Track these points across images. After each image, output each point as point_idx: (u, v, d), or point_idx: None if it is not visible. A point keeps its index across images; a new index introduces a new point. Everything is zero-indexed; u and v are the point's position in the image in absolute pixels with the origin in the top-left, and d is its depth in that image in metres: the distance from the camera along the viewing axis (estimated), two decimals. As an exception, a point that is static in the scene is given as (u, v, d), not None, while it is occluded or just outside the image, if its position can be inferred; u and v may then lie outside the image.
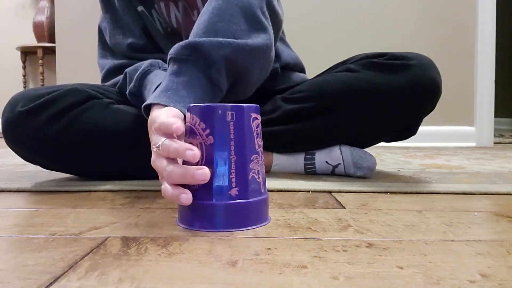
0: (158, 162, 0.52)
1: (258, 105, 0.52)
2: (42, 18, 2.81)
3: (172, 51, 0.65)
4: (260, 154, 0.51)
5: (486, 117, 1.86)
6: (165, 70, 0.78)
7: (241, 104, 0.50)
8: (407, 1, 1.86)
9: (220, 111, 0.48)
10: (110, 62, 0.89)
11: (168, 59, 0.65)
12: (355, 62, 0.87)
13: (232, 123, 0.49)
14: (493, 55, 1.84)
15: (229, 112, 0.49)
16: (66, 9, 1.89)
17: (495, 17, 1.83)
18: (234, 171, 0.48)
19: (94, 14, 1.85)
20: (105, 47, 0.92)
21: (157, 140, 0.52)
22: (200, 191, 0.49)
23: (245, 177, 0.49)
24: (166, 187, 0.50)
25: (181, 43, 0.64)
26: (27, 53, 2.96)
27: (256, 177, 0.50)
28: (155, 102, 0.60)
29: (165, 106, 0.58)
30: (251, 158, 0.50)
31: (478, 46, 1.84)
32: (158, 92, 0.61)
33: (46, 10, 2.82)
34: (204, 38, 0.64)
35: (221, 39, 0.65)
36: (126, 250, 0.43)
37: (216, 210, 0.49)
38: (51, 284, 0.34)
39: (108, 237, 0.47)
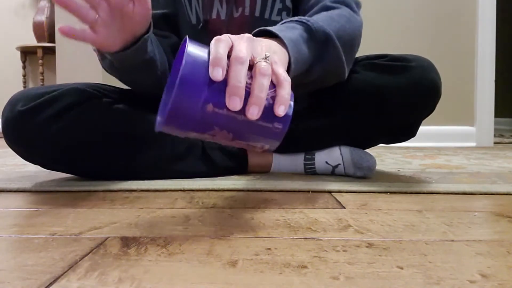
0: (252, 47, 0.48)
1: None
2: (42, 18, 2.81)
3: (313, 23, 0.65)
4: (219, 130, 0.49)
5: (486, 117, 1.86)
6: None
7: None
8: (407, 2, 1.86)
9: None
10: None
11: (304, 21, 0.65)
12: (355, 63, 0.87)
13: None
14: (493, 55, 1.84)
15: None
16: (66, 9, 1.89)
17: (495, 17, 1.83)
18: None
19: (94, 14, 1.85)
20: None
21: (262, 53, 0.49)
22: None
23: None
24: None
25: (325, 27, 0.66)
26: (27, 53, 2.96)
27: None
28: (281, 36, 0.57)
29: (283, 46, 0.57)
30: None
31: (478, 46, 1.84)
32: (289, 34, 0.60)
33: (46, 10, 2.82)
34: (339, 44, 0.68)
35: (344, 57, 0.70)
36: (126, 250, 0.43)
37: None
38: (51, 284, 0.34)
39: (108, 237, 0.47)
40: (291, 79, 0.60)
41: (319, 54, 0.66)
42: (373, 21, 1.86)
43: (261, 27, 0.87)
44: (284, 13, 0.85)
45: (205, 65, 0.44)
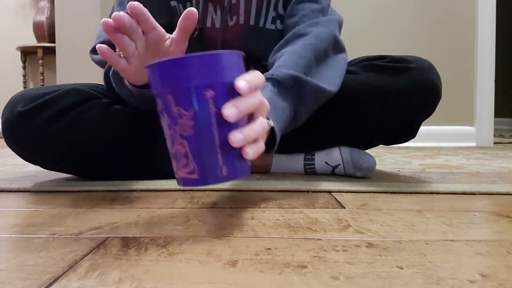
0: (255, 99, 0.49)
1: None
2: (42, 18, 2.81)
3: (278, 74, 0.68)
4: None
5: (486, 117, 1.86)
6: None
7: None
8: (407, 2, 1.86)
9: None
10: (107, 36, 0.85)
11: (269, 77, 0.68)
12: (355, 65, 0.87)
13: None
14: (493, 55, 1.84)
15: None
16: (66, 9, 1.89)
17: (495, 17, 1.84)
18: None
19: (94, 14, 1.85)
20: None
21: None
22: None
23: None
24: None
25: (289, 72, 0.67)
26: (27, 53, 2.96)
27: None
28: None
29: None
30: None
31: (478, 46, 1.84)
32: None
33: (46, 10, 2.82)
34: (309, 78, 0.69)
35: (322, 85, 0.71)
36: (126, 250, 0.43)
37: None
38: (51, 284, 0.34)
39: (108, 237, 0.47)
40: (282, 131, 0.64)
41: (296, 97, 0.68)
42: (373, 21, 1.86)
43: (256, 35, 0.87)
44: (278, 21, 0.85)
45: (236, 70, 0.47)
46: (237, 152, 0.47)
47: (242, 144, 0.46)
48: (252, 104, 0.47)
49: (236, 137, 0.45)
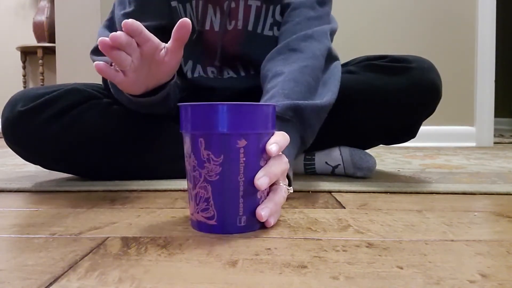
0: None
1: None
2: (42, 18, 2.81)
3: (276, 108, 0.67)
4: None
5: (486, 117, 1.86)
6: None
7: None
8: (407, 2, 1.86)
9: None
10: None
11: None
12: (355, 64, 0.87)
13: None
14: (493, 55, 1.84)
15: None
16: (66, 9, 1.89)
17: (495, 17, 1.84)
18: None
19: (94, 14, 1.85)
20: (113, 21, 0.86)
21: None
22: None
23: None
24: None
25: (285, 103, 0.66)
26: (27, 53, 2.96)
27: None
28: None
29: None
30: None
31: (478, 46, 1.84)
32: None
33: (46, 10, 2.82)
34: (307, 102, 0.68)
35: (322, 102, 0.70)
36: (126, 250, 0.43)
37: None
38: (51, 284, 0.34)
39: (108, 237, 0.47)
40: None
41: (299, 125, 0.67)
42: (373, 21, 1.86)
43: (254, 41, 0.86)
44: (275, 28, 0.84)
45: (269, 121, 0.49)
46: (257, 203, 0.49)
47: (268, 217, 0.49)
48: (281, 171, 0.50)
49: (264, 212, 0.48)
